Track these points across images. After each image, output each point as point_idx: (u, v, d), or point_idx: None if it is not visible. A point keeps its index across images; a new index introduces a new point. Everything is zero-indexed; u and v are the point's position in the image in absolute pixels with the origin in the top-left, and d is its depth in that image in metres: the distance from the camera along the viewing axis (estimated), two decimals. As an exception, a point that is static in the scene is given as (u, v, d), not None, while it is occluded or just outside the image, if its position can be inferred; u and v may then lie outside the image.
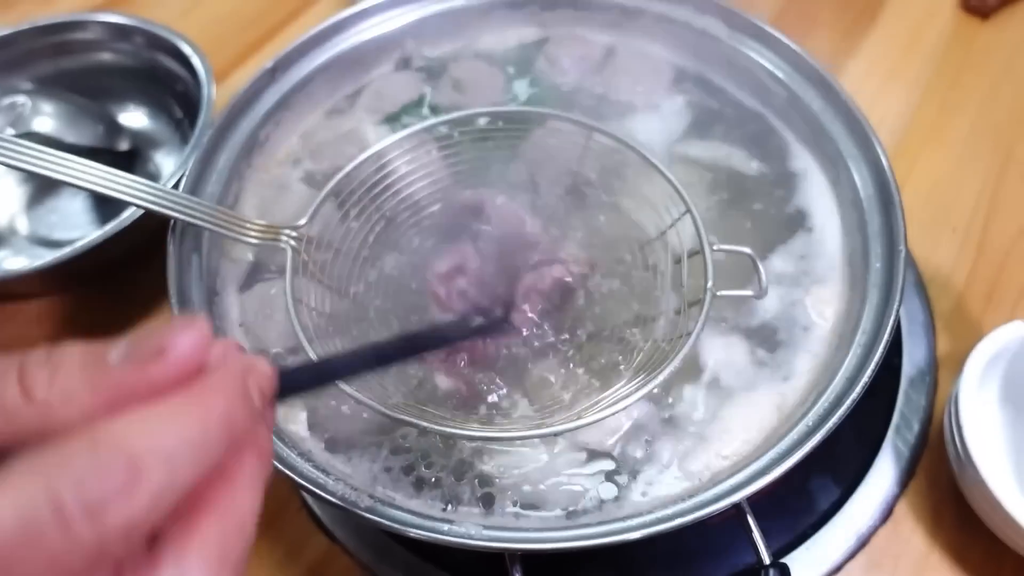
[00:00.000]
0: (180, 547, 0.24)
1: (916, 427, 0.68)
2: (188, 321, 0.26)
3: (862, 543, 0.63)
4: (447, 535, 0.48)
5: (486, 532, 0.49)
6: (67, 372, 0.24)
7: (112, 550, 0.21)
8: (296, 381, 0.32)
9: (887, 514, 0.64)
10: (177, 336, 0.25)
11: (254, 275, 0.65)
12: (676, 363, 0.50)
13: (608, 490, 0.54)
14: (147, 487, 0.22)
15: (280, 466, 0.50)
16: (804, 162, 0.70)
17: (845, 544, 0.63)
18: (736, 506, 0.49)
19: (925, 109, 0.92)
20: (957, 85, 0.94)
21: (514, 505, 0.53)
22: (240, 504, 0.26)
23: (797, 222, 0.67)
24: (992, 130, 0.89)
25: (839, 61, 0.97)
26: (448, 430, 0.49)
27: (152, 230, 0.71)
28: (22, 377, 0.23)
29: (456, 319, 0.58)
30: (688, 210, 0.57)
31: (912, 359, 0.71)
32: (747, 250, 0.57)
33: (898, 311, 0.54)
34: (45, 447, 0.21)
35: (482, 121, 0.68)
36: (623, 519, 0.50)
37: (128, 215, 0.69)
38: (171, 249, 0.60)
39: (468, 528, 0.49)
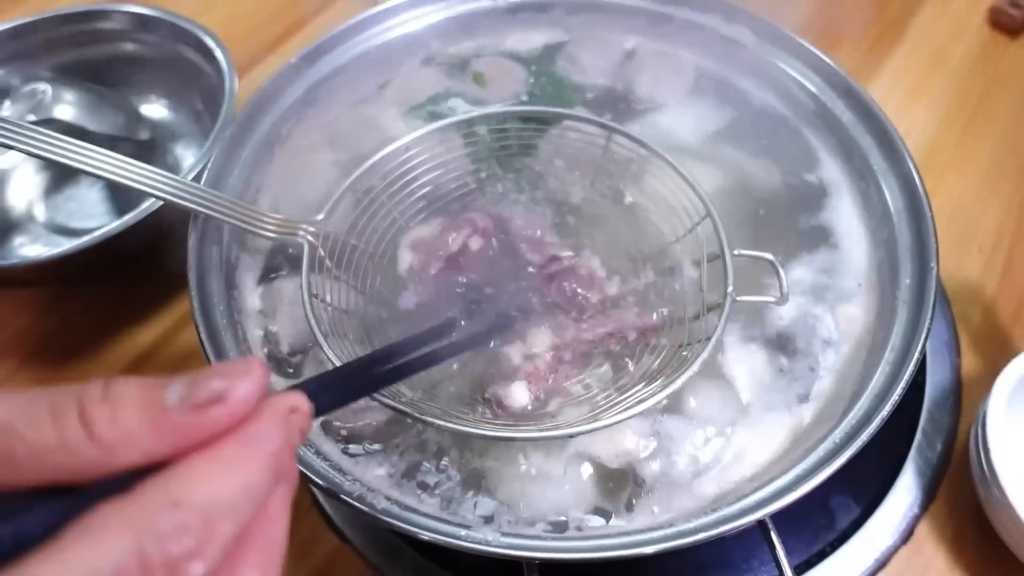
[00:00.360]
0: None
1: (939, 447, 0.67)
2: (246, 367, 0.27)
3: (881, 564, 0.62)
4: (464, 540, 0.47)
5: (504, 539, 0.48)
6: (127, 412, 0.25)
7: None
8: (326, 404, 0.33)
9: (908, 535, 0.63)
10: (236, 382, 0.26)
11: (272, 269, 0.65)
12: (695, 368, 0.49)
13: (625, 500, 0.53)
14: (218, 540, 0.24)
15: (301, 468, 0.50)
16: (831, 173, 0.69)
17: (864, 564, 0.62)
18: (760, 522, 0.48)
19: (950, 127, 0.91)
20: (984, 103, 0.93)
21: (529, 510, 0.52)
22: (276, 532, 0.27)
23: (821, 233, 0.66)
24: (1020, 150, 0.88)
25: (863, 76, 0.96)
26: (464, 429, 0.48)
27: (168, 223, 0.70)
28: (83, 415, 0.24)
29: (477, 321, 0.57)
30: (709, 214, 0.57)
31: (935, 378, 0.70)
32: (768, 256, 0.56)
33: (929, 330, 0.53)
34: (128, 500, 0.23)
35: (504, 119, 0.67)
36: (645, 531, 0.48)
37: (147, 206, 0.68)
38: (192, 242, 0.59)
39: (485, 534, 0.48)
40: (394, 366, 0.42)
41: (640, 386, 0.52)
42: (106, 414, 0.24)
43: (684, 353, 0.53)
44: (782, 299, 0.54)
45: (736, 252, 0.54)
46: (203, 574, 0.23)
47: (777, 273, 0.54)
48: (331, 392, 0.34)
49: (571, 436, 0.49)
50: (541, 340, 0.57)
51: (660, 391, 0.49)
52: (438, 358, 0.47)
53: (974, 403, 0.69)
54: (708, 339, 0.50)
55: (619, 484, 0.54)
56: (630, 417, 0.47)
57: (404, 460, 0.55)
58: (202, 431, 0.25)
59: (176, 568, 0.23)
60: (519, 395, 0.54)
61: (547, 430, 0.49)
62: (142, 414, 0.25)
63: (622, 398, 0.51)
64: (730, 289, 0.53)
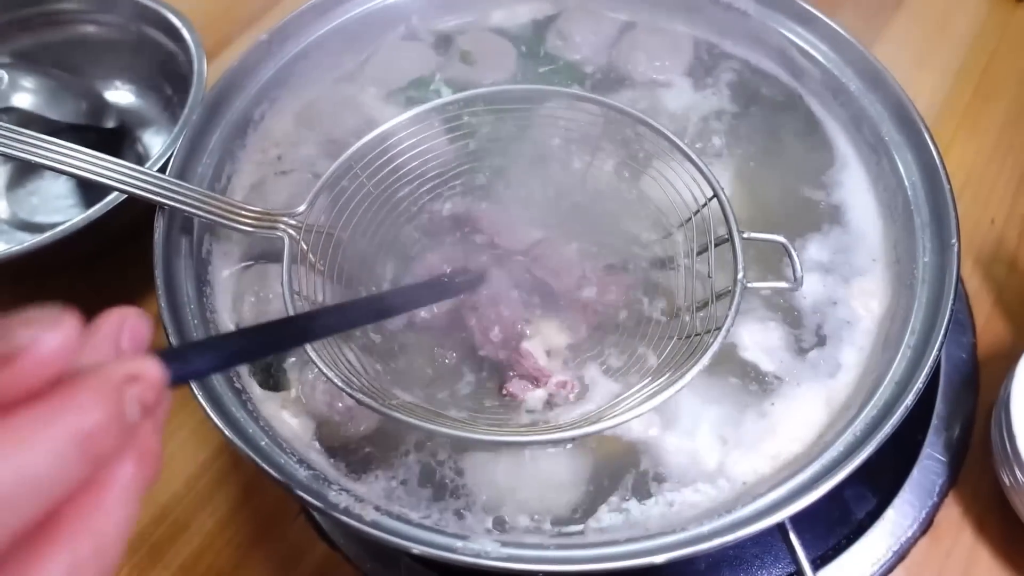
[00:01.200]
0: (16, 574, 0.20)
1: (957, 431, 0.64)
2: (54, 317, 0.21)
3: (901, 555, 0.59)
4: (460, 554, 0.44)
5: (504, 551, 0.44)
6: None
7: None
8: (200, 366, 0.28)
9: (927, 524, 0.60)
10: (36, 338, 0.20)
11: (248, 262, 0.61)
12: (706, 361, 0.46)
13: (639, 499, 0.50)
14: None
15: (278, 476, 0.46)
16: (841, 146, 0.65)
17: (883, 556, 0.59)
18: (778, 524, 0.45)
19: (957, 95, 0.87)
20: (990, 70, 0.90)
21: (531, 519, 0.49)
22: (102, 525, 0.22)
23: (834, 209, 0.62)
24: (1029, 116, 0.84)
25: (865, 43, 0.91)
26: (458, 433, 0.45)
27: (140, 214, 0.65)
28: None
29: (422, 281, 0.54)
30: (716, 194, 0.53)
31: (951, 358, 0.67)
32: (780, 238, 0.52)
33: (952, 314, 0.50)
34: None
35: (493, 100, 0.63)
36: (658, 535, 0.45)
37: (113, 198, 0.64)
38: (158, 236, 0.55)
39: (483, 545, 0.45)
40: (297, 324, 0.37)
41: (647, 381, 0.48)
42: None
43: (694, 342, 0.50)
44: (796, 284, 0.50)
45: (746, 235, 0.50)
46: None
47: (790, 256, 0.50)
48: (199, 355, 0.28)
49: (574, 439, 0.46)
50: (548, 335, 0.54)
51: (668, 387, 0.45)
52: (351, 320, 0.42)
53: (992, 384, 0.65)
54: (719, 329, 0.47)
55: (627, 475, 0.51)
56: (636, 417, 0.43)
57: (396, 466, 0.51)
58: None
59: None
60: (536, 399, 0.51)
61: (549, 432, 0.45)
62: None
63: (626, 395, 0.47)
64: (740, 275, 0.49)
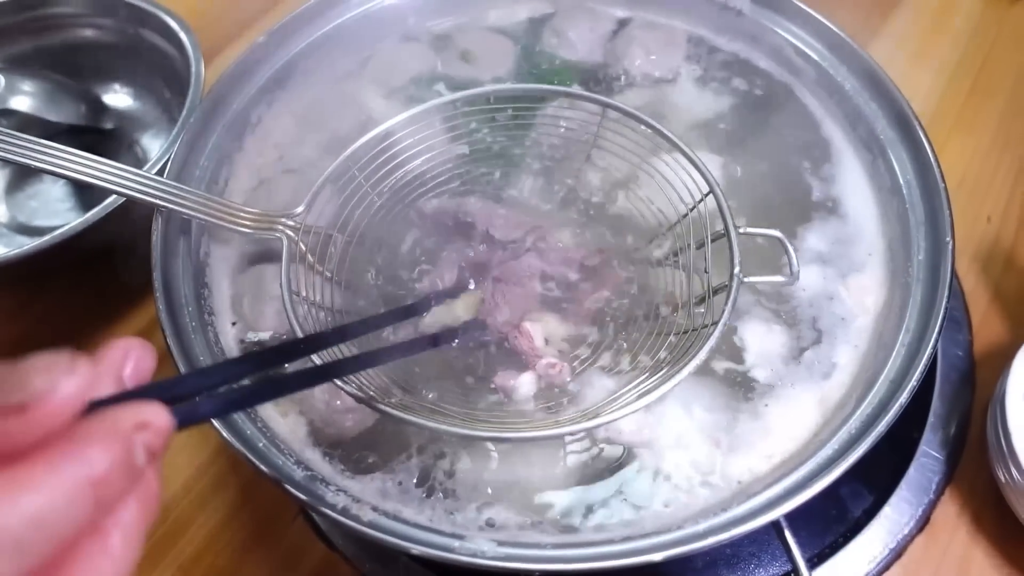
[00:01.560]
0: None
1: (953, 428, 0.64)
2: (69, 365, 0.22)
3: (898, 552, 0.59)
4: (457, 553, 0.44)
5: (500, 550, 0.45)
6: None
7: None
8: (205, 412, 0.28)
9: (924, 522, 0.60)
10: (52, 387, 0.21)
11: (246, 265, 0.61)
12: (702, 356, 0.46)
13: (634, 498, 0.50)
14: None
15: (275, 476, 0.46)
16: (836, 143, 0.65)
17: (880, 553, 0.59)
18: (773, 522, 0.45)
19: (953, 93, 0.88)
20: (986, 68, 0.90)
21: (527, 517, 0.49)
22: (106, 567, 0.23)
23: (829, 206, 0.62)
24: (1026, 114, 0.84)
25: (862, 40, 0.90)
26: (456, 430, 0.45)
27: (138, 216, 0.66)
28: None
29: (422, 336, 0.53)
30: (712, 190, 0.53)
31: (947, 356, 0.67)
32: (777, 233, 0.52)
33: (946, 312, 0.50)
34: None
35: (492, 99, 0.63)
36: (653, 534, 0.45)
37: (112, 200, 0.64)
38: (156, 239, 0.55)
39: (480, 544, 0.45)
40: (303, 370, 0.37)
41: (643, 377, 0.48)
42: None
43: (691, 338, 0.50)
44: (792, 278, 0.50)
45: (742, 230, 0.50)
46: None
47: (787, 251, 0.50)
48: (208, 401, 0.28)
49: (570, 434, 0.46)
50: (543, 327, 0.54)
51: (664, 383, 0.45)
52: (374, 360, 0.43)
53: (988, 381, 0.66)
54: (715, 324, 0.47)
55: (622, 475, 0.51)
56: (632, 413, 0.44)
57: (393, 465, 0.52)
58: (5, 443, 0.21)
59: None
60: (526, 385, 0.51)
61: (544, 428, 0.45)
62: None
63: (623, 391, 0.47)
64: (737, 270, 0.49)
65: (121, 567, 0.23)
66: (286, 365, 0.40)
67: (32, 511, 0.20)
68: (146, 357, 0.25)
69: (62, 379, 0.21)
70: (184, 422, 0.25)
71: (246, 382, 0.34)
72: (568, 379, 0.52)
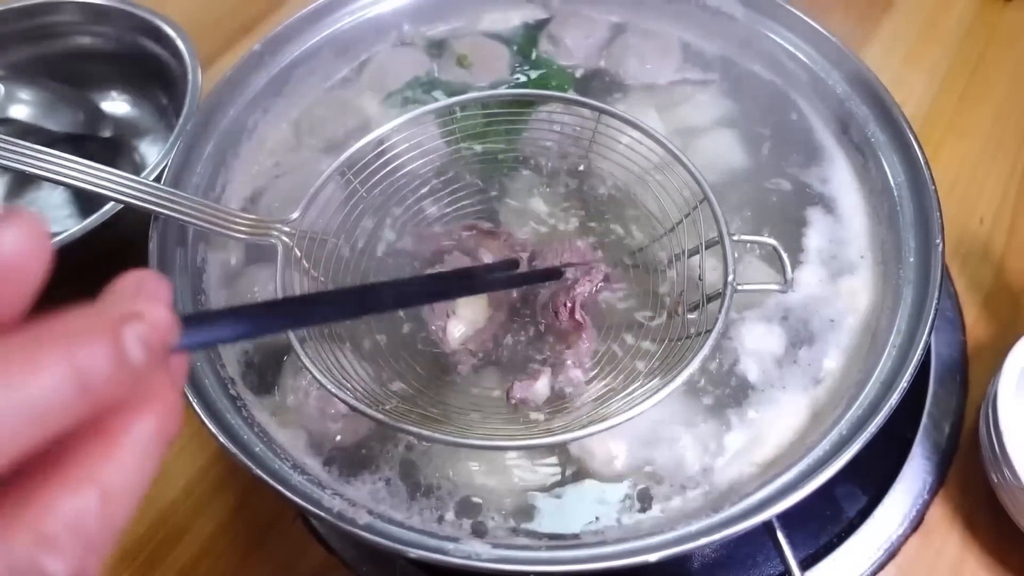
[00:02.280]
0: (11, 515, 0.19)
1: (947, 429, 0.64)
2: (9, 215, 0.20)
3: (892, 553, 0.59)
4: (452, 556, 0.45)
5: (495, 552, 0.45)
6: None
7: None
8: (217, 331, 0.25)
9: (918, 522, 0.61)
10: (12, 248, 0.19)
11: (242, 270, 0.61)
12: (696, 364, 0.46)
13: (626, 501, 0.50)
14: None
15: (271, 480, 0.47)
16: (828, 147, 0.66)
17: (874, 554, 0.59)
18: (765, 522, 0.45)
19: (946, 96, 0.88)
20: (979, 70, 0.90)
21: (520, 521, 0.50)
22: (108, 474, 0.21)
23: (821, 209, 0.63)
24: (1018, 116, 0.85)
25: (856, 44, 0.91)
26: (449, 439, 0.45)
27: (136, 224, 0.66)
28: None
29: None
30: (706, 197, 0.53)
31: (940, 357, 0.68)
32: (771, 240, 0.52)
33: (936, 314, 0.50)
34: None
35: (487, 104, 0.63)
36: (646, 536, 0.46)
37: (109, 208, 0.65)
38: (152, 246, 0.56)
39: (475, 547, 0.46)
40: (309, 309, 0.34)
41: (636, 385, 0.48)
42: None
43: (683, 346, 0.50)
44: (786, 286, 0.50)
45: (736, 237, 0.51)
46: None
47: (781, 259, 0.51)
48: (213, 320, 0.26)
49: (564, 443, 0.46)
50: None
51: (658, 391, 0.45)
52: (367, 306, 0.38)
53: (981, 382, 0.66)
54: (708, 332, 0.47)
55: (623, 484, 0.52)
56: (627, 420, 0.44)
57: (388, 470, 0.52)
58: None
59: None
60: (542, 391, 0.51)
61: (538, 436, 0.45)
62: None
63: (616, 400, 0.48)
64: (731, 278, 0.49)
65: (130, 478, 0.21)
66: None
67: (12, 398, 0.18)
68: (160, 287, 0.23)
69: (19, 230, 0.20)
70: (192, 339, 0.23)
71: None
72: (583, 381, 0.52)
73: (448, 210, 0.62)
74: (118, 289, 0.22)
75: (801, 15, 0.67)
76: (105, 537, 0.20)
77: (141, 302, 0.21)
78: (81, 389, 0.19)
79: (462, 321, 0.54)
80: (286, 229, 0.54)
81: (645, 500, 0.51)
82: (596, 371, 0.53)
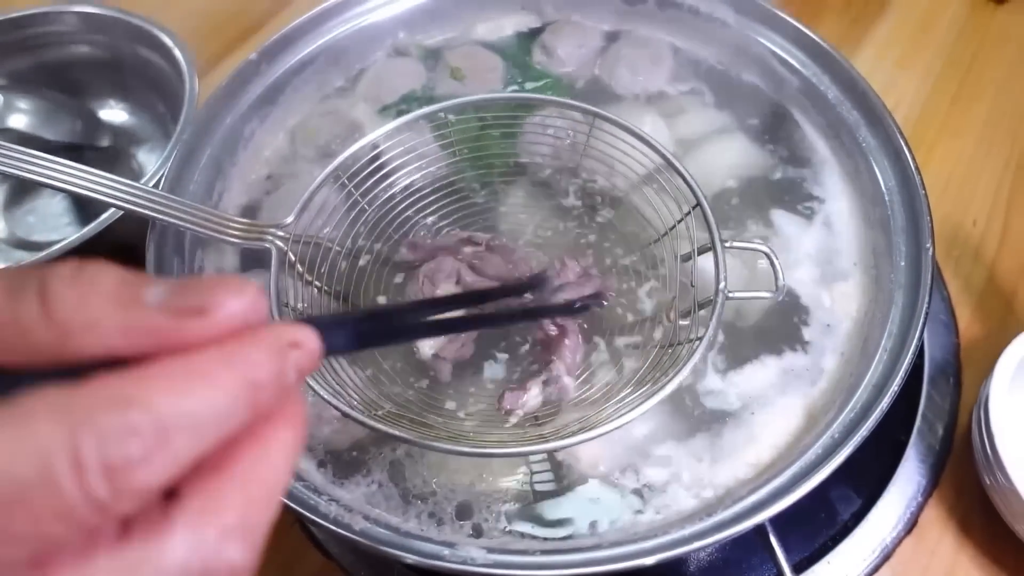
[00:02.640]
0: (199, 510, 0.22)
1: (940, 431, 0.65)
2: (240, 285, 0.23)
3: (886, 555, 0.60)
4: (448, 561, 0.45)
5: (490, 556, 0.45)
6: (96, 299, 0.22)
7: (123, 508, 0.20)
8: (341, 344, 0.28)
9: (911, 524, 0.61)
10: (225, 299, 0.23)
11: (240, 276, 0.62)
12: (687, 371, 0.46)
13: (622, 505, 0.51)
14: (171, 453, 0.21)
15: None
16: (820, 153, 0.67)
17: (868, 557, 0.59)
18: (758, 525, 0.46)
19: (939, 98, 0.89)
20: (972, 73, 0.91)
21: (513, 523, 0.50)
22: (269, 473, 0.24)
23: (813, 214, 0.64)
24: (1010, 118, 0.85)
25: (848, 48, 0.93)
26: (442, 446, 0.45)
27: (135, 230, 0.67)
28: (43, 292, 0.21)
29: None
30: (699, 203, 0.53)
31: (934, 359, 0.68)
32: (764, 247, 0.53)
33: (926, 317, 0.51)
34: (73, 389, 0.20)
35: (480, 109, 0.64)
36: (639, 540, 0.46)
37: (108, 215, 0.65)
38: (150, 253, 0.56)
39: (471, 552, 0.46)
40: (434, 320, 0.36)
41: (627, 391, 0.49)
42: (72, 296, 0.21)
43: (674, 353, 0.50)
44: (778, 293, 0.51)
45: (728, 244, 0.51)
46: (148, 487, 0.20)
47: (773, 266, 0.51)
48: (347, 331, 0.29)
49: (555, 451, 0.46)
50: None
51: (649, 398, 0.45)
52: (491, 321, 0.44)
53: (974, 383, 0.67)
54: (699, 339, 0.47)
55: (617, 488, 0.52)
56: (617, 428, 0.44)
57: (382, 473, 0.52)
58: (176, 339, 0.22)
59: (116, 474, 0.20)
60: (532, 400, 0.51)
61: (530, 443, 0.46)
62: (114, 304, 0.21)
63: (607, 407, 0.48)
64: (722, 285, 0.49)
65: (279, 478, 0.24)
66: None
67: (208, 400, 0.21)
68: (262, 300, 0.26)
69: (233, 296, 0.23)
70: (331, 349, 0.26)
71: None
72: (572, 394, 0.52)
73: (442, 215, 0.62)
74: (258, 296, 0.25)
75: (792, 20, 0.68)
76: (264, 530, 0.24)
77: (299, 330, 0.24)
78: (251, 403, 0.23)
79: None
80: (280, 233, 0.55)
81: (640, 503, 0.51)
82: (587, 376, 0.54)
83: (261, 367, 0.23)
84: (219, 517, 0.22)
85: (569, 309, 0.50)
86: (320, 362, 0.25)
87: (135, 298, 0.22)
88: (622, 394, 0.49)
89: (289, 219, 0.55)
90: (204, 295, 0.22)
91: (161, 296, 0.22)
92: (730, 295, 0.50)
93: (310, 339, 0.24)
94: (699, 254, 0.53)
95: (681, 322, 0.52)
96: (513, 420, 0.50)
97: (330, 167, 0.56)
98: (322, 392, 0.45)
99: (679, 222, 0.56)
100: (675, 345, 0.51)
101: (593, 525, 0.50)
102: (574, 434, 0.44)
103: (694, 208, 0.54)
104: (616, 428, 0.44)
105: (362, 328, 0.31)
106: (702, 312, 0.51)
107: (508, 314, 0.50)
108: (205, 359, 0.22)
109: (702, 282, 0.52)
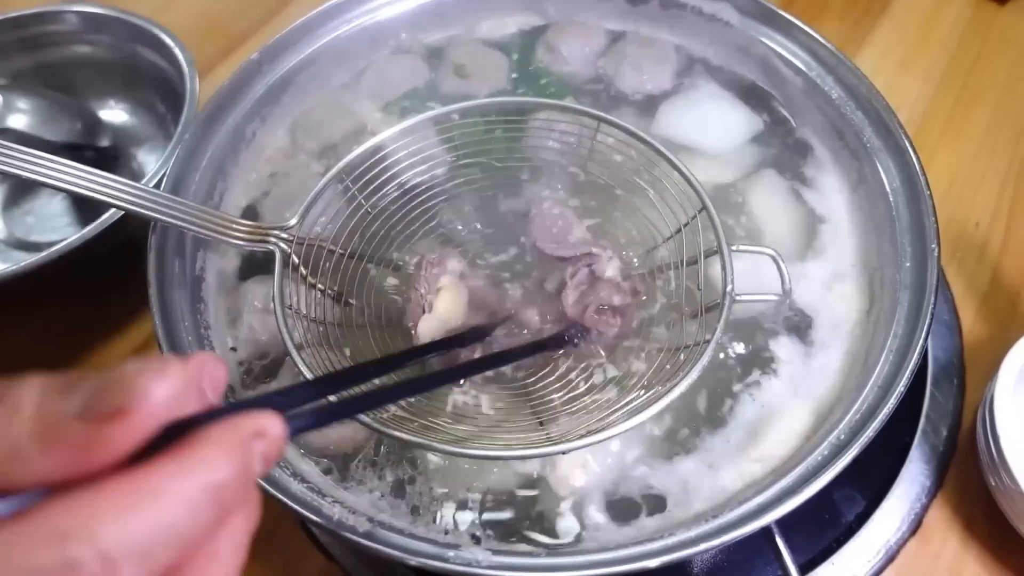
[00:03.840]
0: None
1: (944, 433, 0.64)
2: (160, 368, 0.21)
3: (891, 557, 0.60)
4: (452, 563, 0.45)
5: (495, 559, 0.45)
6: (20, 425, 0.20)
7: None
8: (304, 425, 0.28)
9: (916, 525, 0.61)
10: (146, 387, 0.21)
11: (242, 278, 0.61)
12: (696, 374, 0.46)
13: (626, 507, 0.50)
14: None
15: (272, 490, 0.47)
16: (824, 153, 0.66)
17: (873, 558, 0.59)
18: (764, 527, 0.45)
19: (942, 99, 0.88)
20: (974, 74, 0.91)
21: (523, 526, 0.50)
22: (218, 572, 0.23)
23: (817, 214, 0.63)
24: (1013, 120, 0.85)
25: (851, 49, 0.93)
26: (449, 449, 0.45)
27: (135, 232, 0.67)
28: None
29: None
30: (705, 207, 0.53)
31: (937, 360, 0.68)
32: (769, 250, 0.53)
33: (932, 319, 0.51)
34: (2, 525, 0.19)
35: (484, 112, 0.63)
36: (646, 542, 0.46)
37: (109, 215, 0.65)
38: (151, 255, 0.56)
39: (475, 554, 0.46)
40: (389, 386, 0.38)
41: (635, 395, 0.48)
42: None
43: (681, 356, 0.50)
44: (785, 295, 0.51)
45: (735, 247, 0.51)
46: None
47: (779, 268, 0.51)
48: (310, 413, 0.29)
49: (563, 453, 0.46)
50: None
51: (657, 401, 0.45)
52: (444, 378, 0.44)
53: (978, 384, 0.66)
54: (707, 342, 0.47)
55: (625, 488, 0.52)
56: (626, 431, 0.44)
57: (388, 476, 0.52)
58: (108, 450, 0.20)
59: None
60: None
61: (538, 446, 0.45)
62: (35, 426, 0.20)
63: (615, 410, 0.47)
64: (729, 288, 0.49)
65: (228, 571, 0.23)
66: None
67: (157, 518, 0.20)
68: (220, 370, 0.25)
69: (156, 382, 0.21)
70: (295, 431, 0.25)
71: (331, 398, 0.35)
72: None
73: (445, 217, 0.62)
74: (189, 368, 0.23)
75: (796, 21, 0.68)
76: None
77: (262, 419, 0.23)
78: (218, 506, 0.21)
79: (435, 320, 0.54)
80: (284, 235, 0.54)
81: (645, 506, 0.51)
82: (595, 380, 0.53)
83: (223, 469, 0.21)
84: None
85: (560, 342, 0.51)
86: (285, 446, 0.24)
87: (56, 413, 0.20)
88: (630, 396, 0.48)
89: (293, 221, 0.55)
90: (124, 391, 0.21)
91: (80, 403, 0.20)
92: (737, 297, 0.50)
93: (274, 425, 0.23)
94: (705, 257, 0.53)
95: (688, 325, 0.52)
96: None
97: (334, 169, 0.56)
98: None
99: (685, 226, 0.55)
100: (683, 348, 0.50)
101: (599, 526, 0.50)
102: (581, 437, 0.44)
103: (700, 212, 0.54)
104: (625, 431, 0.44)
105: (332, 407, 0.31)
106: (709, 314, 0.50)
107: (495, 357, 0.49)
108: (156, 472, 0.20)
109: (708, 285, 0.52)
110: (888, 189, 0.60)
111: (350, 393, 0.36)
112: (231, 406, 0.24)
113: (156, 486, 0.20)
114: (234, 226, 0.55)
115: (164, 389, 0.21)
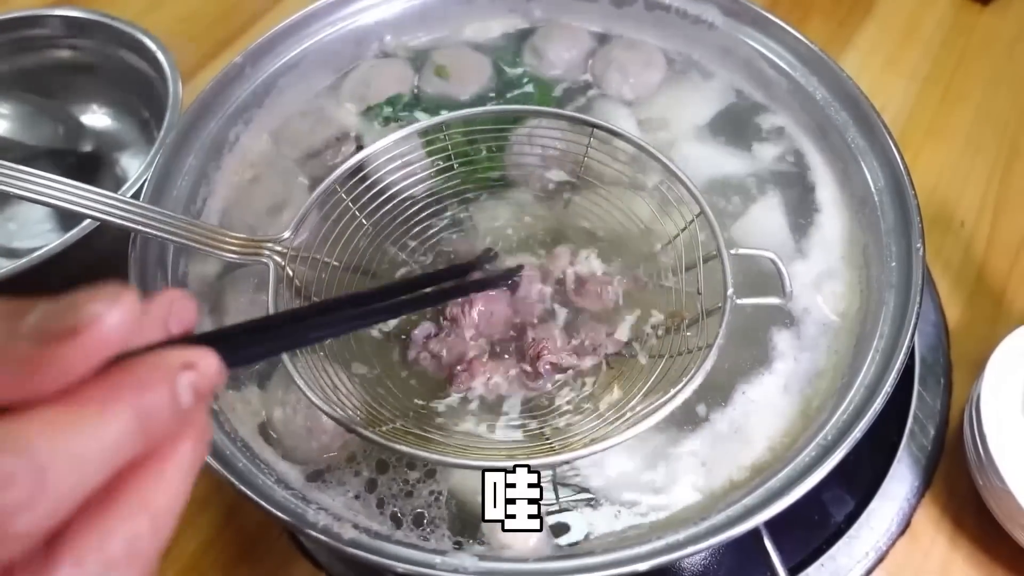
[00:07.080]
0: (80, 546, 0.21)
1: (931, 432, 0.64)
2: (114, 294, 0.21)
3: (880, 557, 0.60)
4: (439, 569, 0.44)
5: (482, 564, 0.45)
6: None
7: (4, 556, 0.20)
8: (250, 355, 0.28)
9: (904, 525, 0.61)
10: (100, 312, 0.21)
11: (227, 290, 0.60)
12: (698, 380, 0.45)
13: (615, 511, 0.50)
14: (51, 496, 0.20)
15: (255, 497, 0.46)
16: (809, 155, 0.66)
17: (862, 559, 0.59)
18: (752, 529, 0.45)
19: (926, 100, 0.89)
20: (958, 74, 0.91)
21: (507, 531, 0.49)
22: (156, 498, 0.23)
23: (804, 216, 0.63)
24: (996, 120, 0.86)
25: (835, 50, 0.93)
26: (441, 458, 0.44)
27: (119, 237, 0.66)
28: None
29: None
30: (703, 211, 0.52)
31: (924, 360, 0.68)
32: (769, 253, 0.52)
33: (917, 319, 0.51)
34: None
35: (476, 121, 0.62)
36: (633, 545, 0.45)
37: (88, 223, 0.64)
38: (132, 262, 0.55)
39: (462, 560, 0.45)
40: (328, 319, 0.37)
41: (636, 401, 0.48)
42: None
43: (682, 362, 0.49)
44: (786, 298, 0.50)
45: (734, 251, 0.50)
46: (32, 531, 0.20)
47: (779, 271, 0.50)
48: (246, 344, 0.28)
49: (565, 463, 0.46)
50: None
51: (660, 409, 0.44)
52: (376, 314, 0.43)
53: (965, 384, 0.67)
54: (709, 347, 0.46)
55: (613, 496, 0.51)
56: (628, 439, 0.43)
57: (374, 482, 0.52)
58: (55, 372, 0.21)
59: None
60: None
61: (537, 456, 0.45)
62: None
63: (618, 416, 0.47)
64: (730, 291, 0.48)
65: (171, 501, 0.23)
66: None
67: (91, 438, 0.21)
68: (188, 309, 0.25)
69: (110, 307, 0.21)
70: (233, 364, 0.25)
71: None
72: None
73: (439, 226, 0.62)
74: (154, 311, 0.25)
75: (780, 22, 0.68)
76: (155, 555, 0.23)
77: (193, 352, 0.23)
78: (142, 432, 0.22)
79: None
80: (278, 248, 0.53)
81: (634, 510, 0.50)
82: (595, 388, 0.53)
83: (151, 395, 0.22)
84: (103, 552, 0.21)
85: (490, 283, 0.51)
86: (224, 378, 0.25)
87: (4, 332, 0.21)
88: (631, 403, 0.48)
89: (286, 233, 0.53)
90: (78, 311, 0.21)
91: (31, 325, 0.21)
92: (738, 301, 0.49)
93: (205, 358, 0.23)
94: (704, 262, 0.52)
95: (688, 331, 0.51)
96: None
97: (326, 182, 0.54)
98: (320, 404, 0.44)
99: (683, 230, 0.55)
100: (684, 353, 0.50)
101: (588, 531, 0.49)
102: (584, 446, 0.43)
103: (697, 216, 0.53)
104: (627, 439, 0.43)
105: (271, 336, 0.30)
106: (709, 319, 0.50)
107: (425, 296, 0.49)
108: (89, 392, 0.21)
109: (708, 289, 0.51)
110: (873, 189, 0.60)
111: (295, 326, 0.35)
112: (178, 340, 0.24)
113: (89, 404, 0.21)
114: (226, 239, 0.53)
115: (116, 316, 0.21)
